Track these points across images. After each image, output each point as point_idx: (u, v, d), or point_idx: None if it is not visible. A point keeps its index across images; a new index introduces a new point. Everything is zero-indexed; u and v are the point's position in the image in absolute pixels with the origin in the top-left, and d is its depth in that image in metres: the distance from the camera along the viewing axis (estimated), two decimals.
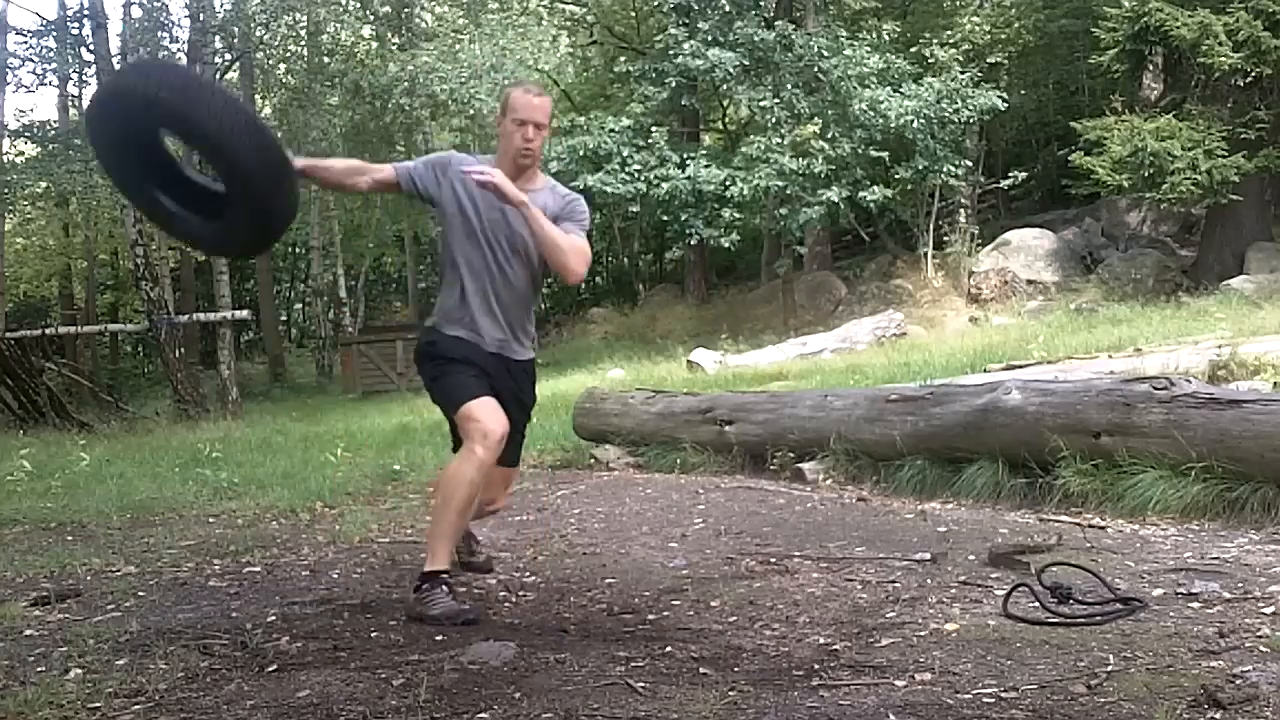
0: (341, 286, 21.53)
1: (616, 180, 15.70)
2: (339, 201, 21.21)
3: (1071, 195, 15.73)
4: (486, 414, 3.02)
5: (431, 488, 3.33)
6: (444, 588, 3.02)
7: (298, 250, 29.01)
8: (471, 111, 15.34)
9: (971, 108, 15.47)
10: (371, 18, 17.32)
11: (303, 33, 18.48)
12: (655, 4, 19.56)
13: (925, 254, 16.83)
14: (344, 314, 21.40)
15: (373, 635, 2.89)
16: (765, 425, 5.69)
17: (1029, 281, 15.40)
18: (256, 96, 21.39)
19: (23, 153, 19.56)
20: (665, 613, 3.02)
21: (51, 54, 16.23)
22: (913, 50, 16.76)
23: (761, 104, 16.11)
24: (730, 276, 22.88)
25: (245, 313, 19.30)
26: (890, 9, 19.43)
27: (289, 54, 18.76)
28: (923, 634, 2.62)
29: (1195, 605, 2.71)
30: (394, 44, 16.74)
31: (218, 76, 17.26)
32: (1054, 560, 3.11)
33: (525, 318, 3.26)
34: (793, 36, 15.92)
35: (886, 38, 16.99)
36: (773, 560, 3.59)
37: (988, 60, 17.08)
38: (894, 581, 3.19)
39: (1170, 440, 3.85)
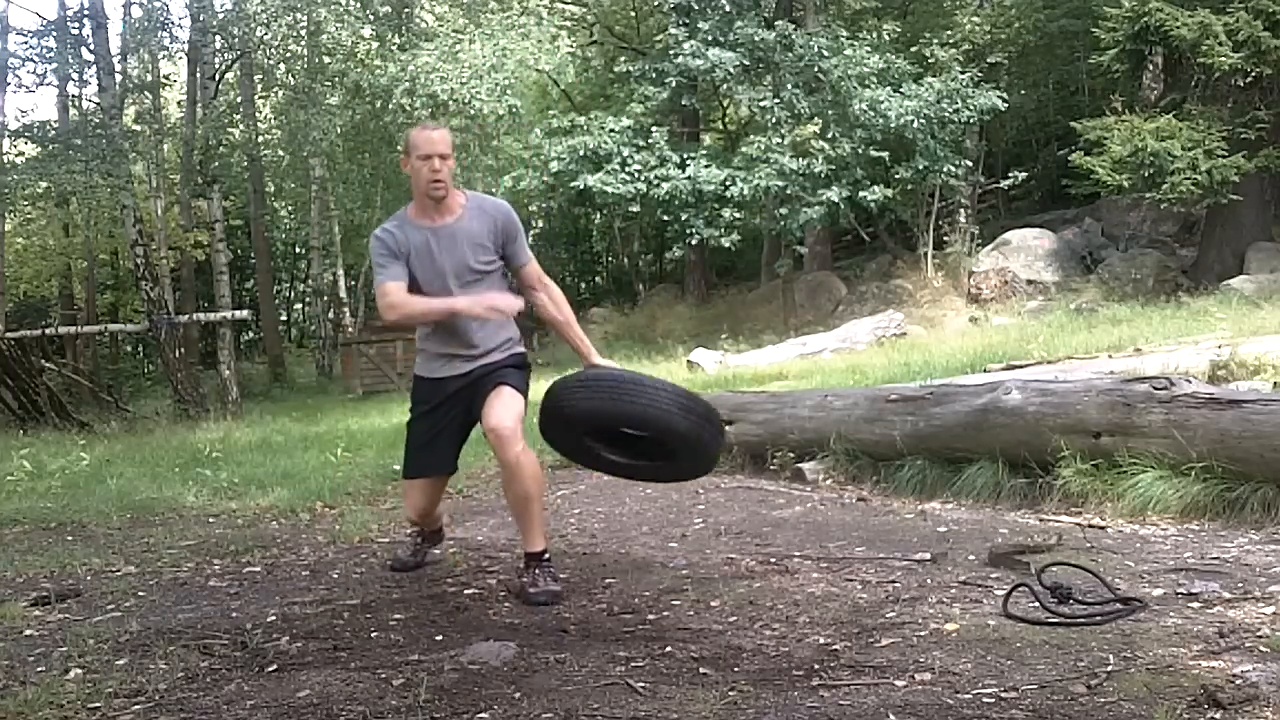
0: (341, 286, 21.53)
1: (616, 180, 15.70)
2: (339, 201, 21.20)
3: (1071, 195, 15.72)
4: (411, 498, 3.60)
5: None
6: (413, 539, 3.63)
7: (298, 250, 29.02)
8: (472, 111, 15.32)
9: (971, 108, 15.46)
10: (371, 18, 17.29)
11: (303, 33, 18.45)
12: (655, 4, 19.58)
13: (925, 254, 16.83)
14: (344, 314, 21.39)
15: (373, 635, 2.90)
16: (765, 425, 5.69)
17: (1029, 281, 15.40)
18: (257, 97, 21.40)
19: (23, 153, 19.53)
20: (665, 613, 3.02)
21: (51, 54, 16.20)
22: (913, 50, 16.76)
23: (761, 104, 16.11)
24: (730, 276, 22.87)
25: (245, 313, 19.30)
26: (890, 9, 19.43)
27: (289, 54, 18.74)
28: (923, 634, 2.62)
29: (1195, 605, 2.71)
30: (394, 44, 16.72)
31: (217, 77, 17.24)
32: (1054, 560, 3.11)
33: (493, 333, 3.43)
34: (793, 36, 15.91)
35: (886, 38, 16.99)
36: (773, 560, 3.59)
37: (988, 60, 17.07)
38: (894, 581, 3.19)
39: (1170, 440, 3.85)
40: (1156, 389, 4.01)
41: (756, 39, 15.87)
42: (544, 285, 3.52)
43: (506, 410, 3.27)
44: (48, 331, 16.21)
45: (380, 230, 3.42)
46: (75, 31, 15.72)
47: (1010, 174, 17.01)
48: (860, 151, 15.65)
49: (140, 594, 3.54)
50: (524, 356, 3.52)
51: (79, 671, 2.61)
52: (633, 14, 23.37)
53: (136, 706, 2.36)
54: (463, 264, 3.33)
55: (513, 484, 3.26)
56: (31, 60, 16.49)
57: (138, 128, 19.41)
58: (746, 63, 16.11)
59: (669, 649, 2.62)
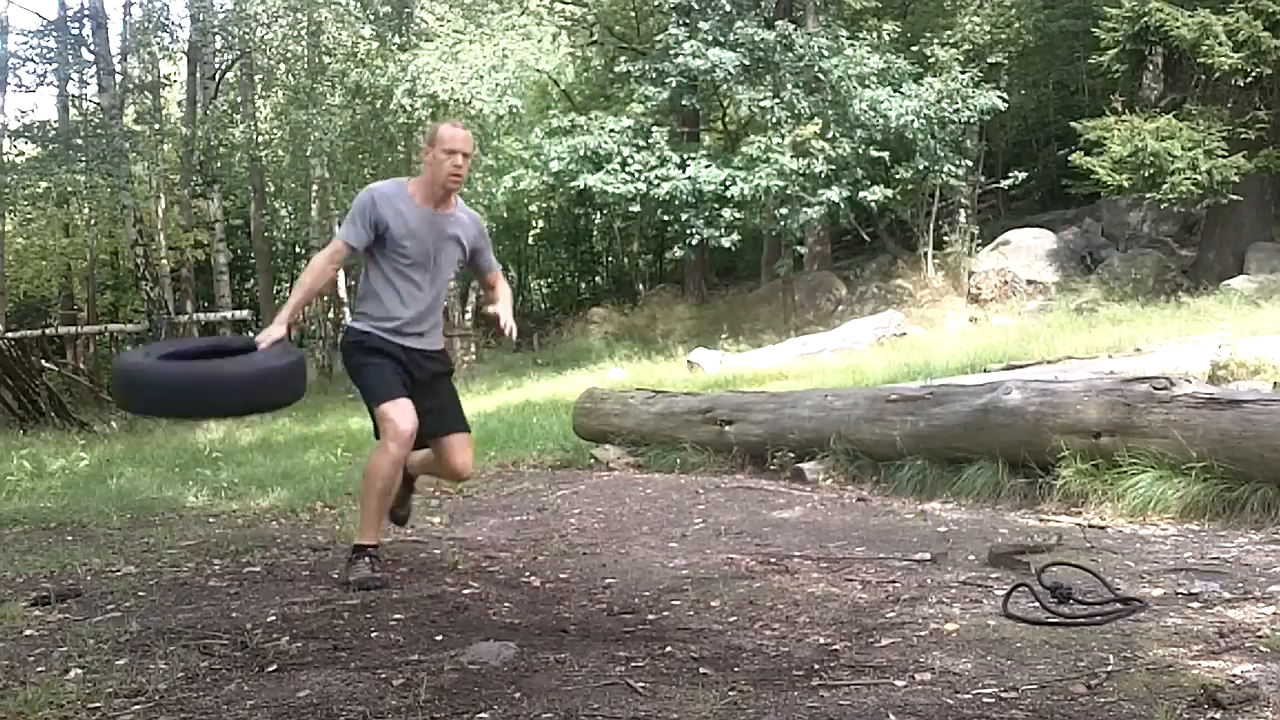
0: (341, 286, 21.51)
1: (617, 180, 15.70)
2: (339, 202, 21.21)
3: (1071, 195, 15.71)
4: (400, 414, 3.45)
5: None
6: (367, 559, 3.52)
7: (298, 250, 29.00)
8: (472, 112, 15.33)
9: (971, 108, 15.45)
10: (371, 18, 17.31)
11: (303, 33, 18.46)
12: (655, 4, 19.56)
13: (925, 254, 16.82)
14: (344, 314, 21.38)
15: (373, 635, 2.89)
16: (765, 425, 5.69)
17: (1029, 281, 15.39)
18: (257, 97, 21.41)
19: (23, 153, 19.56)
20: (665, 613, 3.02)
21: (51, 54, 16.23)
22: (913, 50, 16.75)
23: (761, 104, 16.10)
24: (730, 276, 22.86)
25: (245, 313, 19.29)
26: (890, 9, 19.42)
27: (289, 54, 18.74)
28: (923, 634, 2.62)
29: (1195, 605, 2.71)
30: (394, 44, 16.73)
31: (217, 77, 17.25)
32: (1054, 560, 3.11)
33: (440, 318, 3.80)
34: (793, 36, 15.91)
35: (886, 38, 16.97)
36: (773, 560, 3.59)
37: (988, 60, 17.06)
38: (894, 581, 3.19)
39: (1170, 440, 3.85)
40: (1156, 389, 4.01)
41: (756, 39, 15.87)
42: (500, 283, 3.84)
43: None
44: (48, 331, 16.22)
45: (375, 191, 3.61)
46: (75, 31, 15.76)
47: (1010, 174, 17.00)
48: (860, 151, 15.64)
49: (140, 594, 3.53)
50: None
51: (79, 671, 2.61)
52: (633, 14, 23.35)
53: (136, 706, 2.36)
54: (448, 254, 3.66)
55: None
56: (31, 60, 16.53)
57: (138, 128, 19.43)
58: (746, 63, 16.11)
59: (669, 649, 2.62)
